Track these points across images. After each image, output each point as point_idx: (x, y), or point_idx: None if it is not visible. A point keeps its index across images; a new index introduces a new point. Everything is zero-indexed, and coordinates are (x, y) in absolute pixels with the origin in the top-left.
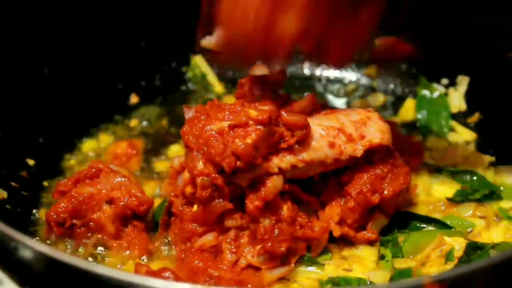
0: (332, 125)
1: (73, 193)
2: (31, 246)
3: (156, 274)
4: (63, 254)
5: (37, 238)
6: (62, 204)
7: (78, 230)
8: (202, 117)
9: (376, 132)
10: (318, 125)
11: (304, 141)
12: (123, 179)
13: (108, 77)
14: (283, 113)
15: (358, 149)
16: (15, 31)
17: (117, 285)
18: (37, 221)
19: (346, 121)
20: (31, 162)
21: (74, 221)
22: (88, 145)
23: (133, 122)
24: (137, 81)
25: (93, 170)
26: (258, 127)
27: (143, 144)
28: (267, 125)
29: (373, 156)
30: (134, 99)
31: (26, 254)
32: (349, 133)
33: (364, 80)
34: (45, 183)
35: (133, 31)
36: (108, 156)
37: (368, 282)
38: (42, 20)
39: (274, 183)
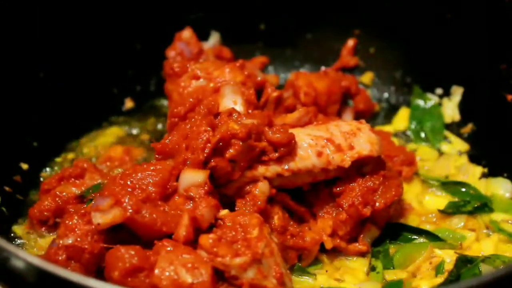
0: (321, 135)
1: (57, 192)
2: (23, 258)
3: None
4: (55, 266)
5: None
6: (46, 203)
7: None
8: (188, 126)
9: (365, 143)
10: (307, 134)
11: (290, 151)
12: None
13: (103, 82)
14: (267, 129)
15: (346, 160)
16: (11, 36)
17: None
18: None
19: (336, 131)
20: (24, 166)
21: (57, 219)
22: (82, 148)
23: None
24: (132, 86)
25: (78, 169)
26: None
27: (140, 153)
28: (246, 141)
29: (364, 167)
30: (129, 103)
31: (18, 265)
32: (338, 143)
33: None
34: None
35: (128, 36)
36: (102, 157)
37: None
38: (38, 24)
39: (262, 189)
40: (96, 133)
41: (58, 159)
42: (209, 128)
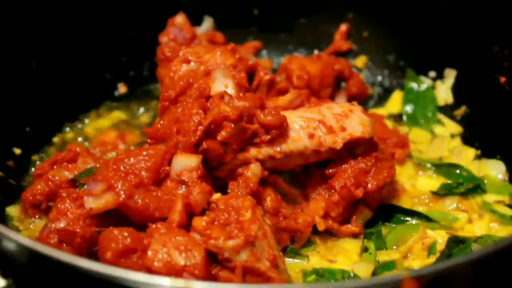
0: (313, 117)
1: (50, 176)
2: (14, 239)
3: None
4: (46, 247)
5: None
6: (39, 187)
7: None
8: (179, 110)
9: (357, 125)
10: (299, 116)
11: (282, 133)
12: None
13: (96, 67)
14: (258, 112)
15: (338, 141)
16: (3, 23)
17: (99, 279)
18: None
19: (328, 113)
20: (17, 151)
21: (50, 203)
22: (74, 133)
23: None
24: (125, 71)
25: (71, 153)
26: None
27: (135, 138)
28: (238, 123)
29: (356, 149)
30: (122, 89)
31: (9, 246)
32: (330, 125)
33: None
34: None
35: (121, 21)
36: (95, 141)
37: (352, 274)
38: (30, 11)
39: (254, 171)
40: (90, 118)
41: (53, 141)
42: (200, 111)
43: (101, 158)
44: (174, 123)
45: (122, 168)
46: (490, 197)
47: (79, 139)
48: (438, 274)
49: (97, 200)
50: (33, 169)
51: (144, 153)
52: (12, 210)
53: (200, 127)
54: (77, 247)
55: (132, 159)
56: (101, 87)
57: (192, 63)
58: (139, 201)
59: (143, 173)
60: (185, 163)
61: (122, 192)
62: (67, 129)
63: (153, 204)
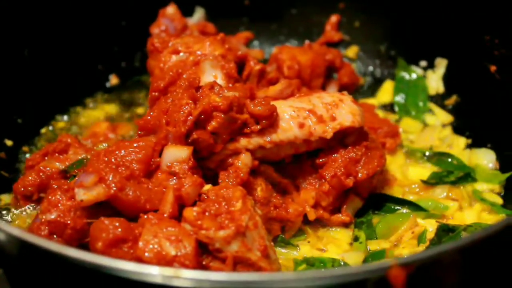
0: (303, 107)
1: (41, 167)
2: (3, 229)
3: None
4: (36, 237)
5: None
6: (30, 178)
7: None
8: (169, 100)
9: (347, 114)
10: (289, 106)
11: (272, 123)
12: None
13: (88, 58)
14: (248, 102)
15: (328, 131)
16: None
17: (88, 268)
18: None
19: (318, 103)
20: (9, 142)
21: (42, 194)
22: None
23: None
24: (117, 62)
25: (62, 144)
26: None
27: (127, 130)
28: (228, 113)
29: (346, 138)
30: (114, 80)
31: None
32: (320, 114)
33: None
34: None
35: (112, 12)
36: (87, 132)
37: (342, 263)
38: (22, 2)
39: (244, 161)
40: (81, 109)
41: (44, 132)
42: (190, 101)
43: (93, 149)
44: (164, 114)
45: (113, 160)
46: (480, 186)
47: (71, 130)
48: (426, 261)
49: (88, 192)
50: (24, 160)
51: (135, 145)
52: (6, 197)
53: (190, 118)
54: (68, 239)
55: (123, 151)
56: (93, 78)
57: (181, 54)
58: (130, 194)
59: (134, 165)
60: (176, 154)
61: (113, 185)
62: (59, 120)
63: (144, 196)
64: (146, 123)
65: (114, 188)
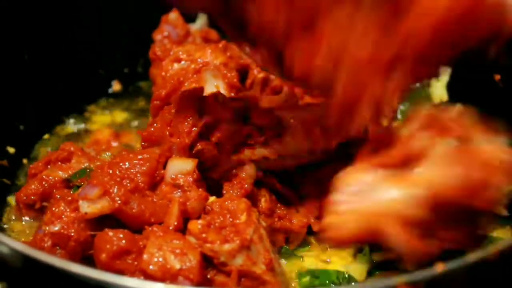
0: (308, 117)
1: (43, 176)
2: (7, 244)
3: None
4: (39, 252)
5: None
6: (32, 186)
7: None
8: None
9: None
10: (293, 117)
11: (276, 134)
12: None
13: (90, 64)
14: (253, 113)
15: (332, 142)
16: None
17: (91, 284)
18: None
19: (322, 113)
20: (11, 150)
21: (44, 203)
22: (67, 131)
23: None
24: (120, 68)
25: (65, 153)
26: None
27: (129, 137)
28: (232, 124)
29: (350, 148)
30: (116, 86)
31: (2, 250)
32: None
33: None
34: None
35: (115, 17)
36: (89, 139)
37: (346, 276)
38: (23, 7)
39: (248, 172)
40: (84, 116)
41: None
42: (194, 112)
43: (96, 158)
44: (167, 126)
45: (117, 172)
46: None
47: (73, 137)
48: (435, 279)
49: (92, 205)
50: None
51: (139, 157)
52: (13, 200)
53: (194, 129)
54: (71, 251)
55: (127, 163)
56: (95, 84)
57: (183, 62)
58: (135, 207)
59: (138, 177)
60: (181, 167)
61: (117, 198)
62: (61, 127)
63: (149, 210)
64: (149, 135)
65: (119, 202)
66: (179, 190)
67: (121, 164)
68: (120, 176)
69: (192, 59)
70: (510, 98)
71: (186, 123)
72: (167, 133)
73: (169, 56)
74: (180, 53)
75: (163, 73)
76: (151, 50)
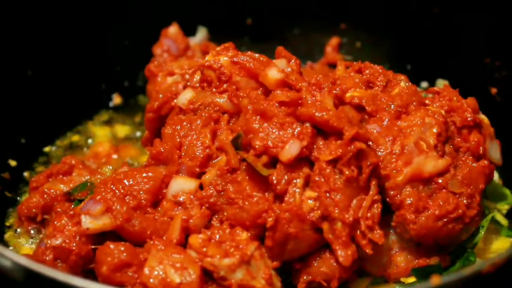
0: None
1: (45, 189)
2: (9, 257)
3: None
4: (41, 265)
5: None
6: (34, 199)
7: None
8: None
9: None
10: None
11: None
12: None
13: (91, 78)
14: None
15: None
16: None
17: None
18: None
19: None
20: (13, 163)
21: (45, 216)
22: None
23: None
24: (120, 82)
25: (66, 166)
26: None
27: (129, 151)
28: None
29: None
30: (117, 99)
31: (5, 264)
32: None
33: None
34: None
35: (115, 31)
36: (89, 153)
37: None
38: (25, 21)
39: None
40: (84, 129)
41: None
42: (209, 136)
43: (96, 171)
44: (177, 149)
45: (121, 189)
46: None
47: (74, 150)
48: None
49: (94, 221)
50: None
51: (144, 175)
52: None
53: (208, 150)
54: (72, 265)
55: (131, 180)
56: (96, 97)
57: (175, 76)
58: (136, 225)
59: (141, 194)
60: (183, 185)
61: (119, 216)
62: (61, 140)
63: (150, 227)
64: (158, 154)
65: (121, 219)
66: (180, 207)
67: (125, 181)
68: (123, 193)
69: (184, 72)
70: (507, 111)
71: (199, 146)
72: (176, 156)
73: (163, 71)
74: (174, 66)
75: (157, 88)
76: (146, 68)
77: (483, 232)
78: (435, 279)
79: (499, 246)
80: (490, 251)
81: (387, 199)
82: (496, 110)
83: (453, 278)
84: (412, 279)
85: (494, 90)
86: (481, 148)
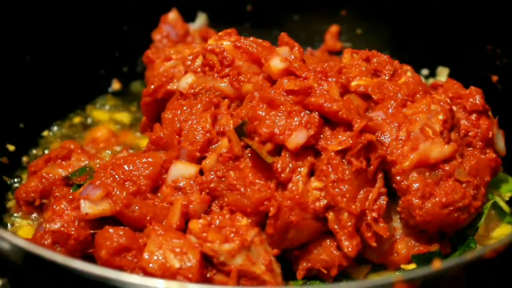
0: None
1: (43, 174)
2: (9, 240)
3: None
4: (40, 248)
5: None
6: (32, 184)
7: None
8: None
9: None
10: None
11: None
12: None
13: (90, 63)
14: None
15: None
16: None
17: (92, 279)
18: None
19: None
20: (11, 147)
21: (44, 200)
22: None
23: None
24: (119, 67)
25: (65, 151)
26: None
27: (127, 136)
28: None
29: None
30: (116, 85)
31: (4, 247)
32: None
33: None
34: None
35: (114, 17)
36: (87, 138)
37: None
38: (24, 7)
39: None
40: (83, 114)
41: (46, 136)
42: (209, 120)
43: (95, 156)
44: (177, 134)
45: (121, 174)
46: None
47: (72, 135)
48: (431, 277)
49: (93, 206)
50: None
51: (144, 160)
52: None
53: (208, 135)
54: (71, 249)
55: (131, 165)
56: (95, 83)
57: (172, 61)
58: (136, 211)
59: (141, 180)
60: (183, 170)
61: (119, 201)
62: (60, 125)
63: (150, 213)
64: (158, 139)
65: (120, 205)
66: (180, 193)
67: (124, 166)
68: (123, 178)
69: (181, 57)
70: (508, 99)
71: (200, 131)
72: (176, 141)
73: (160, 57)
74: (172, 52)
75: (155, 73)
76: (144, 54)
77: (483, 219)
78: (436, 264)
79: (500, 232)
80: (491, 237)
81: (394, 185)
82: (497, 98)
83: (454, 263)
84: (412, 266)
85: (495, 78)
86: (490, 132)
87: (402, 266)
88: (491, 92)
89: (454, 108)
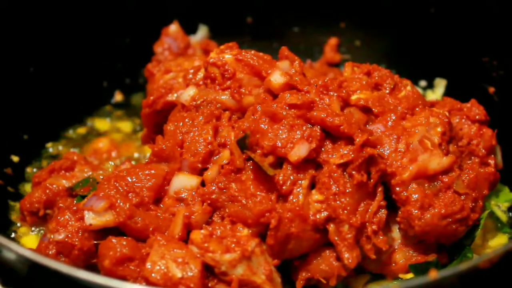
0: None
1: (47, 184)
2: (14, 250)
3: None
4: (45, 258)
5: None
6: (36, 194)
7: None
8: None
9: None
10: None
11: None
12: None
13: (93, 75)
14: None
15: None
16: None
17: None
18: None
19: None
20: (15, 158)
21: (48, 211)
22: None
23: (117, 122)
24: (121, 79)
25: (68, 162)
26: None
27: (128, 148)
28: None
29: None
30: (118, 96)
31: (9, 256)
32: None
33: None
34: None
35: (117, 29)
36: (88, 149)
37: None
38: (28, 18)
39: None
40: (86, 125)
41: (49, 148)
42: (211, 132)
43: (98, 167)
44: (179, 147)
45: (124, 185)
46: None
47: (76, 147)
48: (428, 287)
49: (97, 218)
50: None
51: (147, 172)
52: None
53: (210, 146)
54: (74, 259)
55: (134, 177)
56: (98, 94)
57: (172, 73)
58: (139, 222)
59: (144, 191)
60: (185, 182)
61: (122, 212)
62: (64, 136)
63: (152, 224)
64: (161, 152)
65: (124, 216)
66: (182, 204)
67: (128, 178)
68: (126, 190)
69: (181, 69)
70: (505, 111)
71: (202, 142)
72: (178, 154)
73: (161, 70)
74: (172, 65)
75: (155, 86)
76: (146, 68)
77: (480, 229)
78: (433, 274)
79: (497, 242)
80: (488, 247)
81: (393, 195)
82: (494, 110)
83: (450, 273)
84: (410, 275)
85: (492, 89)
86: (493, 140)
87: (400, 275)
88: (488, 104)
89: (456, 119)
